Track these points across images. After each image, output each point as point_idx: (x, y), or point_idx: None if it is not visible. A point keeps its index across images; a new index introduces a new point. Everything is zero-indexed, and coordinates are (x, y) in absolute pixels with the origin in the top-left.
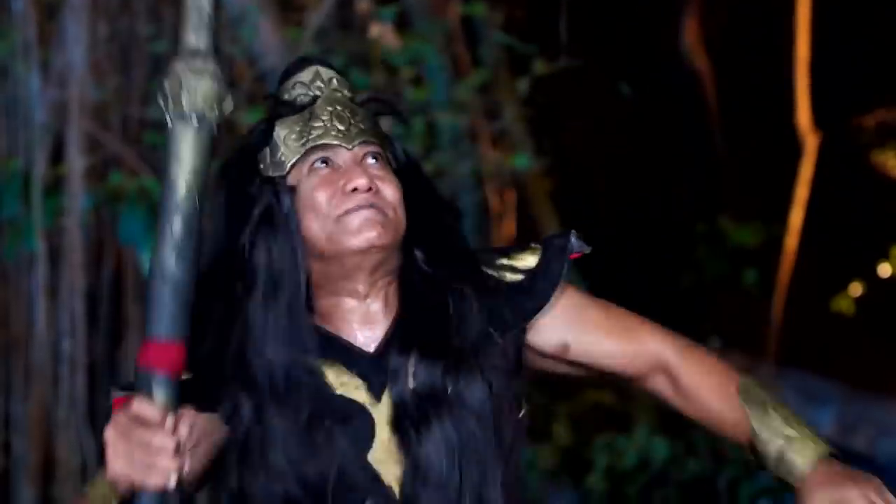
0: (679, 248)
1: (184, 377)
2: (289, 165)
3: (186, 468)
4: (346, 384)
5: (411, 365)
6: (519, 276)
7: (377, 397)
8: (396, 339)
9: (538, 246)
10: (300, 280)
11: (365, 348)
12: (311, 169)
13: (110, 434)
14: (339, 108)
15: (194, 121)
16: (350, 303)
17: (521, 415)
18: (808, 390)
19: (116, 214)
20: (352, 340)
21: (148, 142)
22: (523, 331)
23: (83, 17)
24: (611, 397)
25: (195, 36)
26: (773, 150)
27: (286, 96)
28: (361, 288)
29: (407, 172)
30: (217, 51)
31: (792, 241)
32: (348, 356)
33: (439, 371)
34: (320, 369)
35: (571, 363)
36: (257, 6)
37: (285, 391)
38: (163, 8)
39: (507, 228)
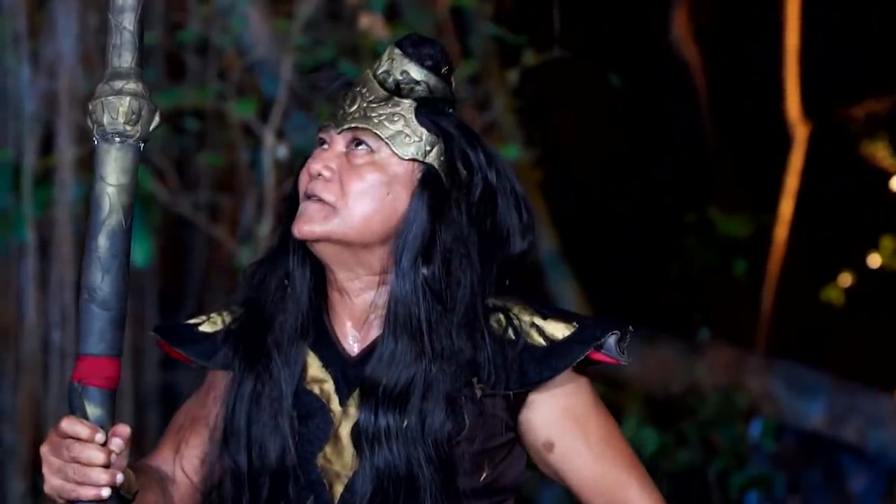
0: (668, 239)
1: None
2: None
3: (120, 480)
4: (319, 380)
5: (382, 383)
6: (541, 342)
7: (343, 402)
8: (377, 350)
9: (576, 324)
10: (290, 264)
11: (350, 350)
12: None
13: (44, 450)
14: (364, 90)
15: (116, 139)
16: (336, 297)
17: (481, 477)
18: (798, 381)
19: None
20: (342, 339)
21: None
22: (519, 399)
23: (73, 8)
24: (600, 388)
25: (118, 57)
26: (762, 140)
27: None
28: (337, 282)
29: (453, 182)
30: (142, 70)
31: (782, 231)
32: (331, 353)
33: (406, 399)
34: (304, 359)
35: (548, 465)
36: None
37: (278, 366)
38: None
39: None
